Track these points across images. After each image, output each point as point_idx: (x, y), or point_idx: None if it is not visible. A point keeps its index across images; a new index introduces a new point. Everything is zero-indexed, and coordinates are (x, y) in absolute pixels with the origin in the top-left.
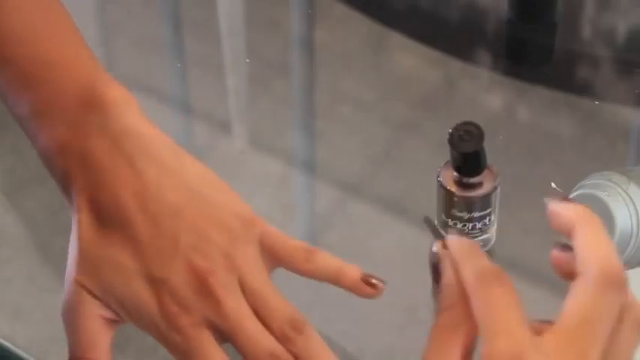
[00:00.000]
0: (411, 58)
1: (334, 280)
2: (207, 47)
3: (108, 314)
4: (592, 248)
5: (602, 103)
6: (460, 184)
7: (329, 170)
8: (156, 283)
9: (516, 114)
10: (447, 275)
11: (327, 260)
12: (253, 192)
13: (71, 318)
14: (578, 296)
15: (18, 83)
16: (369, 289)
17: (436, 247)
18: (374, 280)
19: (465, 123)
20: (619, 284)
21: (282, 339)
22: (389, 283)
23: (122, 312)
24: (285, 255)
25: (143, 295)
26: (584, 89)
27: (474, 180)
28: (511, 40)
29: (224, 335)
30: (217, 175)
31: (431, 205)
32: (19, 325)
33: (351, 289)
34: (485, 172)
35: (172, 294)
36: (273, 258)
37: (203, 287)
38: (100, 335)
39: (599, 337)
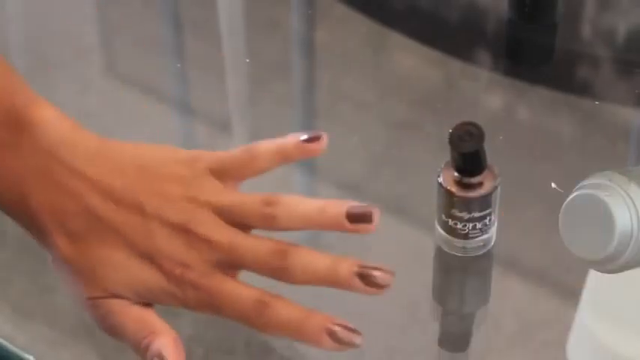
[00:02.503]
0: (411, 58)
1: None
2: (207, 47)
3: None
4: None
5: (602, 103)
6: (460, 184)
7: (329, 170)
8: (149, 256)
9: (516, 114)
10: None
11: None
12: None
13: (110, 325)
14: None
15: None
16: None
17: None
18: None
19: (465, 123)
20: None
21: (268, 223)
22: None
23: (140, 299)
24: (231, 165)
25: (145, 274)
26: (584, 89)
27: (474, 180)
28: (511, 40)
29: (232, 266)
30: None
31: (431, 206)
32: (19, 325)
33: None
34: (486, 172)
35: (168, 258)
36: (227, 176)
37: (189, 237)
38: (142, 315)
39: None
